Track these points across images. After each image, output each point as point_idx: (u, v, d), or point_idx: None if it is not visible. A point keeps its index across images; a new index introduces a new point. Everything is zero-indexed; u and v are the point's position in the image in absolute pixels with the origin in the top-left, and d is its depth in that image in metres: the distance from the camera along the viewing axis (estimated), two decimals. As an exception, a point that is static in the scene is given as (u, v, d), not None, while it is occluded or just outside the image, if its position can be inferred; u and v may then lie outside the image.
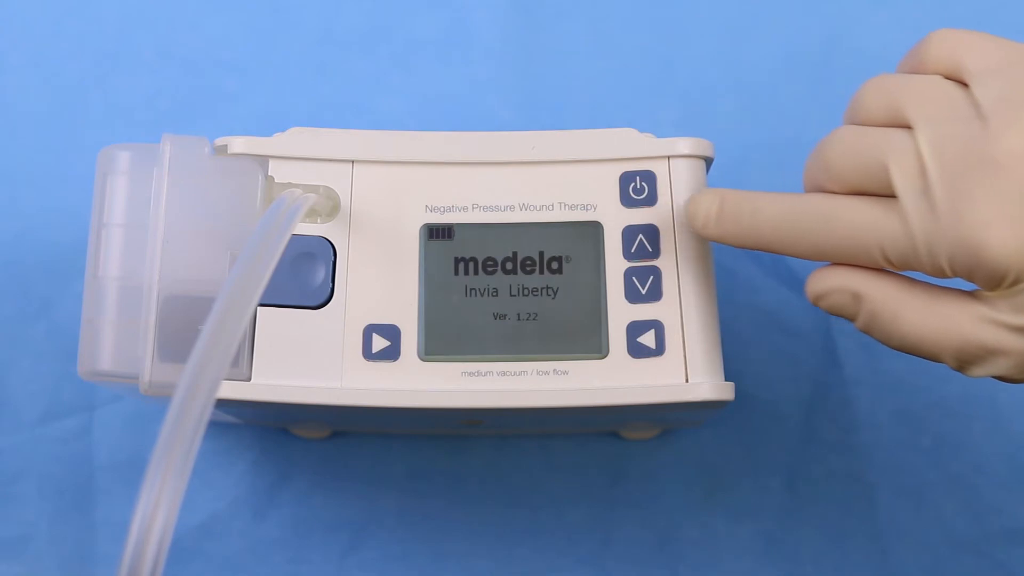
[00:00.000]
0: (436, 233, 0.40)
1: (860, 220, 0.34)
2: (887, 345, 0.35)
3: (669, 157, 0.40)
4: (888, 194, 0.34)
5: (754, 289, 0.52)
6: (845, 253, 0.34)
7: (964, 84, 0.34)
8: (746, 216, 0.36)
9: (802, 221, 0.35)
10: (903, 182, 0.33)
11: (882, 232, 0.33)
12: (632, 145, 0.41)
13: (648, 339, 0.39)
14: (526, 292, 0.39)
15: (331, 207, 0.40)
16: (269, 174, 0.40)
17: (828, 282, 0.35)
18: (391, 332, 0.39)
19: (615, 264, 0.40)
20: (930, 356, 0.34)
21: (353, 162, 0.40)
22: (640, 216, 0.40)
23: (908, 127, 0.34)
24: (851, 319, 0.36)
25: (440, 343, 0.39)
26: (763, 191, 0.37)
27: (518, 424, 0.47)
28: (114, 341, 0.38)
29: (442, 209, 0.40)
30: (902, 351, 0.35)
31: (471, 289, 0.39)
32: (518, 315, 0.39)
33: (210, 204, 0.39)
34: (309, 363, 0.39)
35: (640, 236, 0.40)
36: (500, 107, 0.54)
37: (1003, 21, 0.55)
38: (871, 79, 0.35)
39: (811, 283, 0.36)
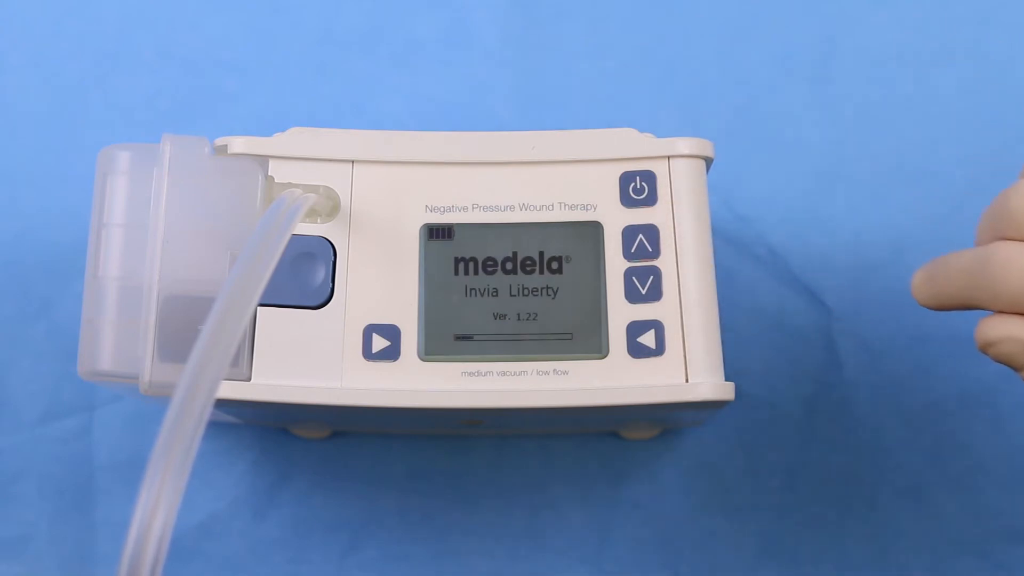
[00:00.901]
0: (436, 233, 0.40)
1: None
2: None
3: (669, 157, 0.40)
4: None
5: (754, 289, 0.52)
6: (1022, 301, 0.34)
7: None
8: (944, 271, 0.36)
9: (985, 268, 0.34)
10: None
11: None
12: (632, 145, 0.41)
13: (648, 339, 0.39)
14: (526, 292, 0.39)
15: (331, 207, 0.40)
16: (269, 174, 0.40)
17: (1000, 330, 0.34)
18: (391, 332, 0.39)
19: (615, 264, 0.40)
20: None
21: (353, 162, 0.40)
22: (640, 216, 0.40)
23: None
24: (1018, 369, 0.35)
25: (440, 343, 0.39)
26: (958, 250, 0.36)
27: (518, 424, 0.47)
28: (114, 341, 0.38)
29: (442, 209, 0.40)
30: None
31: (471, 289, 0.39)
32: (518, 315, 0.39)
33: (210, 204, 0.39)
34: (309, 363, 0.39)
35: (640, 236, 0.40)
36: (500, 107, 0.54)
37: (1003, 21, 0.55)
38: None
39: (981, 330, 0.35)
